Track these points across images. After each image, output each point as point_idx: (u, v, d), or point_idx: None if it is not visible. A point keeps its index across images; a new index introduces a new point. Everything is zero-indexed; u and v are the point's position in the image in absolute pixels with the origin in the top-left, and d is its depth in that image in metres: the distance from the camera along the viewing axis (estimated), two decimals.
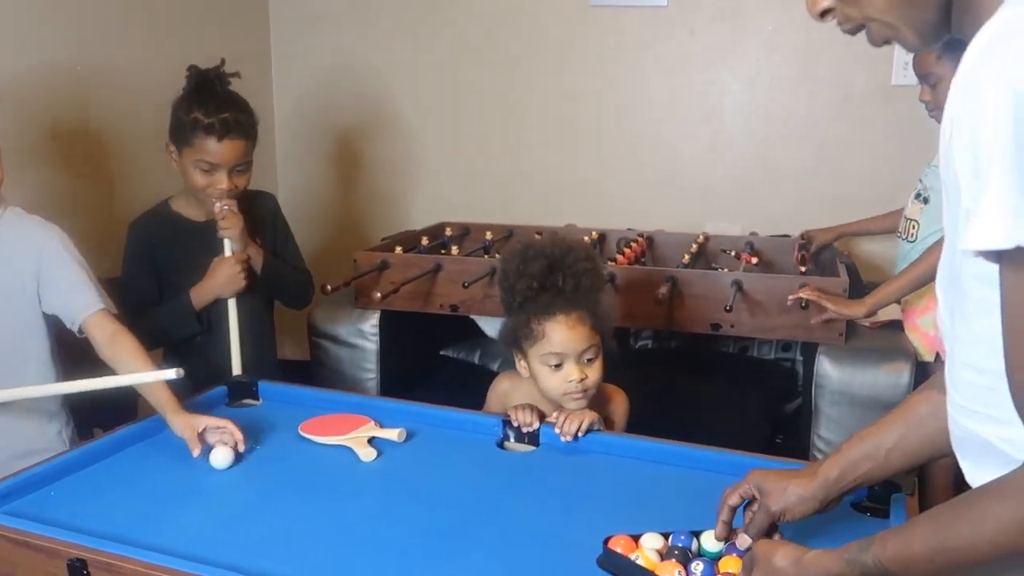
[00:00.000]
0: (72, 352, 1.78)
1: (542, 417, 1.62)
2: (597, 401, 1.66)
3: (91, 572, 1.14)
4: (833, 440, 2.13)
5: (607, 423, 1.67)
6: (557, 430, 1.57)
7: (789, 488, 1.15)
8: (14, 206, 1.74)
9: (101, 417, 2.04)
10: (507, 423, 1.62)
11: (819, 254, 2.65)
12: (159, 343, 2.12)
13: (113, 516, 1.31)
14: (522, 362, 1.66)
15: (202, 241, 2.05)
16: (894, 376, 2.07)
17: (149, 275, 2.08)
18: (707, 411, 2.33)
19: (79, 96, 2.57)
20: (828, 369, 2.13)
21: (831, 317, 2.09)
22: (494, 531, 1.30)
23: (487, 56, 3.24)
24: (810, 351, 2.23)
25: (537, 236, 2.79)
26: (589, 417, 1.58)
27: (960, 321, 0.85)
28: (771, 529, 1.17)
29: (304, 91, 3.48)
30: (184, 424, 1.53)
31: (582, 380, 1.59)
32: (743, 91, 3.01)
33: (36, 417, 1.73)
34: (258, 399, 1.83)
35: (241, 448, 1.51)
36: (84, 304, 1.67)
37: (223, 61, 2.03)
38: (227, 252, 2.02)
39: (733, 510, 1.21)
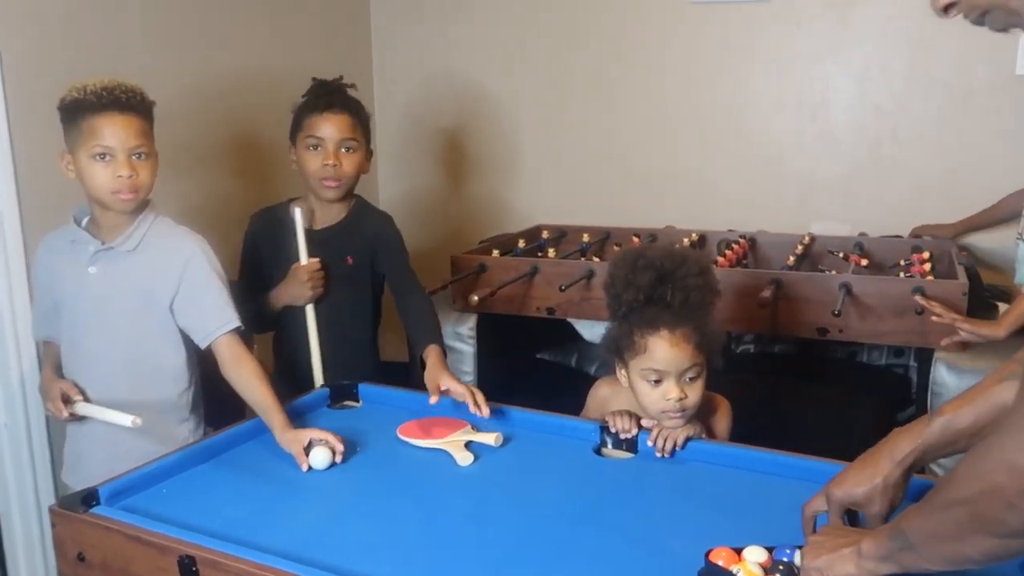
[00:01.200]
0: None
1: (640, 423, 1.59)
2: (700, 410, 1.62)
3: (200, 569, 1.18)
4: None
5: (709, 433, 1.62)
6: (651, 443, 1.54)
7: (850, 472, 1.17)
8: (163, 215, 1.81)
9: (213, 416, 2.13)
10: (605, 429, 1.60)
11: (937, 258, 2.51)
12: (251, 332, 2.12)
13: (219, 514, 1.35)
14: (622, 371, 1.62)
15: (309, 246, 2.07)
16: (1013, 383, 1.93)
17: (251, 267, 2.16)
18: (813, 419, 2.24)
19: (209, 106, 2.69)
20: (945, 377, 2.02)
21: (966, 339, 1.97)
22: (592, 538, 1.27)
23: (587, 56, 3.21)
24: (925, 357, 2.12)
25: (635, 239, 2.79)
26: (685, 432, 1.53)
27: None
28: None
29: (405, 96, 3.53)
30: (291, 439, 1.56)
31: (681, 399, 1.54)
32: (851, 86, 2.88)
33: (167, 424, 1.80)
34: (358, 401, 1.86)
35: (339, 459, 1.54)
36: (217, 325, 1.72)
37: (342, 77, 2.12)
38: (302, 260, 2.03)
39: (814, 519, 1.20)
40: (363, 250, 2.16)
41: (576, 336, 2.78)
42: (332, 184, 2.06)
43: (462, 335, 2.53)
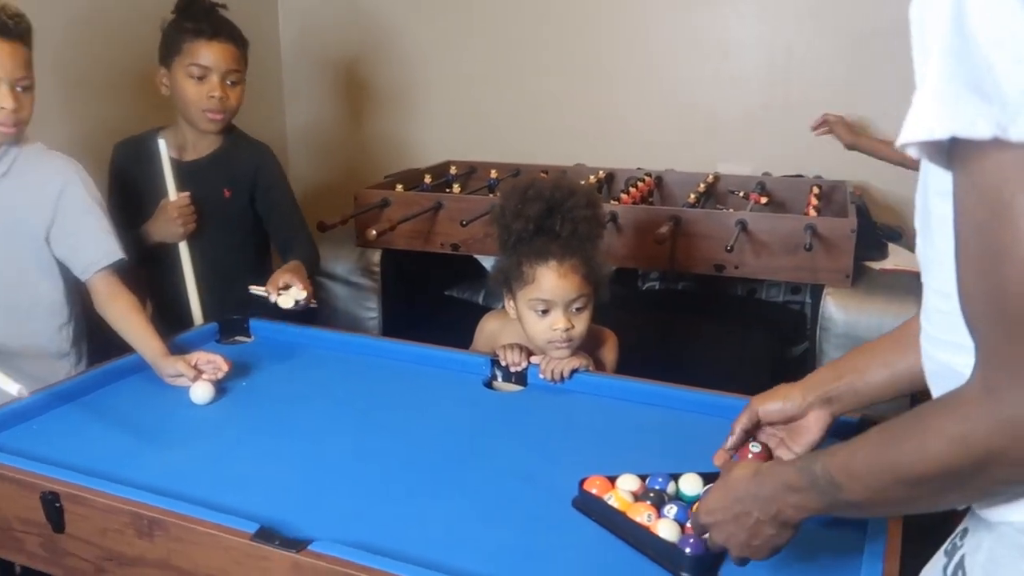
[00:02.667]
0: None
1: (531, 356, 1.59)
2: (588, 344, 1.63)
3: (64, 505, 1.15)
4: None
5: (597, 365, 1.64)
6: (541, 375, 1.55)
7: (776, 390, 1.17)
8: (34, 141, 1.71)
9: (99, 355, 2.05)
10: (495, 363, 1.60)
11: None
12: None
13: (93, 450, 1.31)
14: (510, 303, 1.62)
15: (180, 177, 1.97)
16: (902, 320, 2.00)
17: (119, 200, 2.01)
18: (709, 353, 2.30)
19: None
20: (833, 311, 2.09)
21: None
22: (474, 470, 1.28)
23: None
24: (817, 293, 2.18)
25: (543, 175, 2.77)
26: (573, 363, 1.55)
27: (928, 243, 0.80)
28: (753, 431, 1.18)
29: (311, 26, 3.41)
30: (171, 361, 1.53)
31: (567, 329, 1.55)
32: (757, 26, 2.90)
33: (46, 359, 1.73)
34: (250, 336, 1.82)
35: (218, 375, 1.51)
36: (99, 256, 1.66)
37: None
38: (171, 196, 1.93)
39: (740, 434, 1.18)
40: (241, 183, 2.07)
41: (483, 272, 2.77)
42: (217, 117, 1.97)
43: (366, 271, 2.50)
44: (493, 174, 2.77)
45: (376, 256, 2.48)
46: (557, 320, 1.55)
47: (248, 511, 1.10)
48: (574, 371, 1.55)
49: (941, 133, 0.64)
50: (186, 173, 1.98)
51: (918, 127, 0.66)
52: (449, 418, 1.47)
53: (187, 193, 1.95)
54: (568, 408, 1.50)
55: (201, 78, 1.93)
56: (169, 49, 1.96)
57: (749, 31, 2.91)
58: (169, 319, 1.97)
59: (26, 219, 1.66)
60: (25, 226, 1.66)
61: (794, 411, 1.14)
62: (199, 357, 1.54)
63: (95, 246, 1.67)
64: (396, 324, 2.51)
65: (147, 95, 2.17)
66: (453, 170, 2.86)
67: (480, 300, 2.79)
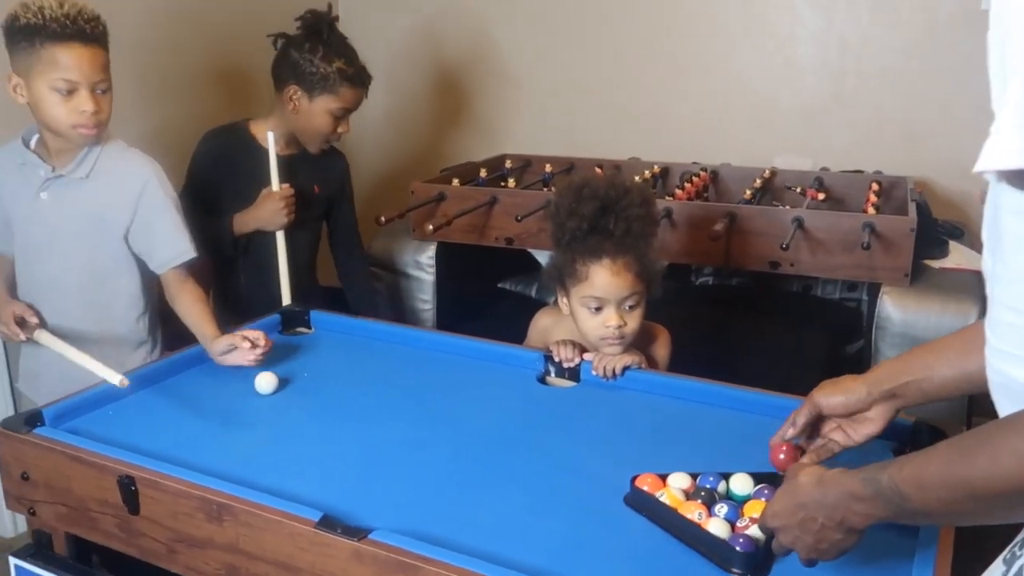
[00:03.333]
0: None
1: (583, 353, 1.62)
2: (640, 340, 1.65)
3: (139, 488, 1.21)
4: None
5: (650, 362, 1.65)
6: (594, 371, 1.57)
7: (839, 383, 1.17)
8: (115, 138, 1.77)
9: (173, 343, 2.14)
10: (548, 358, 1.63)
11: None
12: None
13: (165, 436, 1.37)
14: (563, 299, 1.65)
15: (266, 170, 2.07)
16: (960, 320, 1.98)
17: (207, 186, 2.13)
18: (762, 350, 2.29)
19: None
20: (890, 310, 2.06)
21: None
22: (526, 464, 1.31)
23: None
24: (874, 291, 2.16)
25: (597, 170, 2.78)
26: (626, 360, 1.57)
27: (999, 260, 0.81)
28: (816, 426, 1.19)
29: (368, 27, 3.46)
30: (223, 338, 1.61)
31: (620, 327, 1.57)
32: (817, 19, 2.85)
33: (125, 347, 1.81)
34: (310, 328, 1.88)
35: (259, 356, 1.59)
36: (174, 254, 1.74)
37: (330, 6, 2.14)
38: (274, 186, 2.04)
39: (802, 426, 1.18)
40: (330, 182, 2.24)
41: (537, 266, 2.79)
42: (327, 146, 2.17)
43: (421, 264, 2.54)
44: (548, 168, 2.79)
45: (431, 249, 2.52)
46: (610, 317, 1.57)
47: (311, 498, 1.15)
48: (626, 368, 1.57)
49: (1021, 164, 0.65)
50: (283, 165, 2.09)
51: (1000, 157, 0.67)
52: (503, 412, 1.50)
53: (288, 184, 2.06)
54: (620, 405, 1.52)
55: (341, 118, 2.12)
56: (311, 80, 2.08)
57: (809, 22, 2.87)
58: (234, 306, 2.08)
59: (108, 218, 1.73)
60: (107, 224, 1.73)
61: (858, 405, 1.15)
62: (239, 336, 1.61)
63: (171, 244, 1.74)
64: (450, 316, 2.55)
65: (225, 91, 2.26)
66: (508, 164, 2.89)
67: (533, 293, 2.81)
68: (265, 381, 1.53)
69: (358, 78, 2.11)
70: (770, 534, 1.01)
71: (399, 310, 2.56)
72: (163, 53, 2.64)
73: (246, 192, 2.09)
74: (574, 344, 1.62)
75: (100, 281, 1.76)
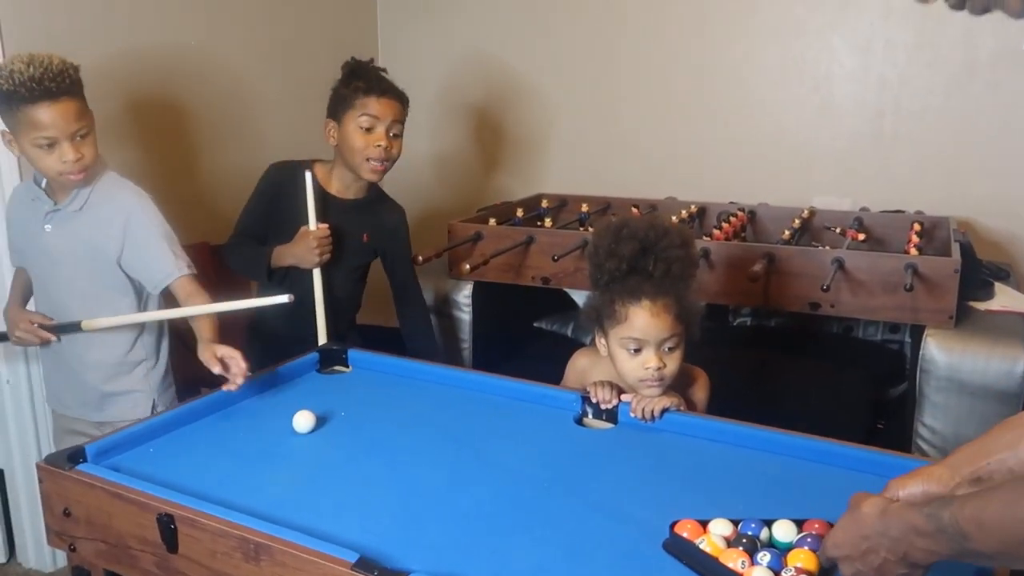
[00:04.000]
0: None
1: (621, 394, 1.60)
2: (678, 382, 1.63)
3: (178, 527, 1.21)
4: (938, 428, 2.03)
5: (688, 404, 1.63)
6: (633, 413, 1.56)
7: (918, 473, 1.07)
8: (111, 171, 1.89)
9: (212, 377, 2.17)
10: (586, 399, 1.62)
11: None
12: (235, 271, 2.28)
13: (204, 474, 1.38)
14: (601, 340, 1.64)
15: (324, 210, 2.12)
16: (1007, 364, 1.94)
17: (262, 213, 2.19)
18: (802, 393, 2.25)
19: (188, 72, 2.70)
20: (935, 353, 2.02)
21: None
22: (564, 507, 1.30)
23: (591, 25, 3.18)
24: (918, 334, 2.12)
25: (634, 210, 2.79)
26: (664, 402, 1.55)
27: None
28: None
29: (406, 69, 3.51)
30: (206, 349, 1.69)
31: (659, 368, 1.56)
32: (855, 58, 2.85)
33: (126, 364, 1.92)
34: (348, 366, 1.89)
35: (237, 382, 1.64)
36: (164, 275, 1.85)
37: (372, 60, 2.19)
38: (311, 225, 2.07)
39: None
40: (380, 233, 2.26)
41: (573, 305, 2.79)
42: (380, 168, 2.14)
43: (458, 303, 2.55)
44: (584, 208, 2.80)
45: (468, 288, 2.53)
46: (649, 359, 1.56)
47: (348, 539, 1.15)
48: (665, 410, 1.55)
49: None
50: (337, 208, 2.16)
51: None
52: (540, 453, 1.49)
53: (326, 225, 2.10)
54: (659, 448, 1.51)
55: (369, 129, 2.10)
56: (342, 105, 2.12)
57: (846, 61, 2.87)
58: (266, 338, 2.12)
59: (100, 246, 1.84)
60: (100, 252, 1.84)
61: (941, 493, 1.04)
62: (224, 351, 1.66)
63: (158, 267, 1.85)
64: (487, 355, 2.55)
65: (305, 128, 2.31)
66: (544, 203, 2.90)
67: (569, 333, 2.81)
68: (303, 420, 1.53)
69: (379, 89, 2.11)
70: (831, 565, 0.99)
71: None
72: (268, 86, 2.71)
73: (291, 227, 2.13)
74: (612, 385, 1.61)
75: (100, 306, 1.86)
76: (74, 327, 1.85)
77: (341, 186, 2.20)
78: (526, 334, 2.83)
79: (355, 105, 2.10)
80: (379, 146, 2.10)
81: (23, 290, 2.00)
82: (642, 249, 1.57)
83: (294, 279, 2.13)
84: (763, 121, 3.00)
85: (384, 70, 2.18)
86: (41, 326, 1.88)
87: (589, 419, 1.61)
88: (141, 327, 1.93)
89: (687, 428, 1.54)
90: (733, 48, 3.00)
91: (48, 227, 1.85)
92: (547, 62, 3.29)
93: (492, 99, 3.41)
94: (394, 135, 2.14)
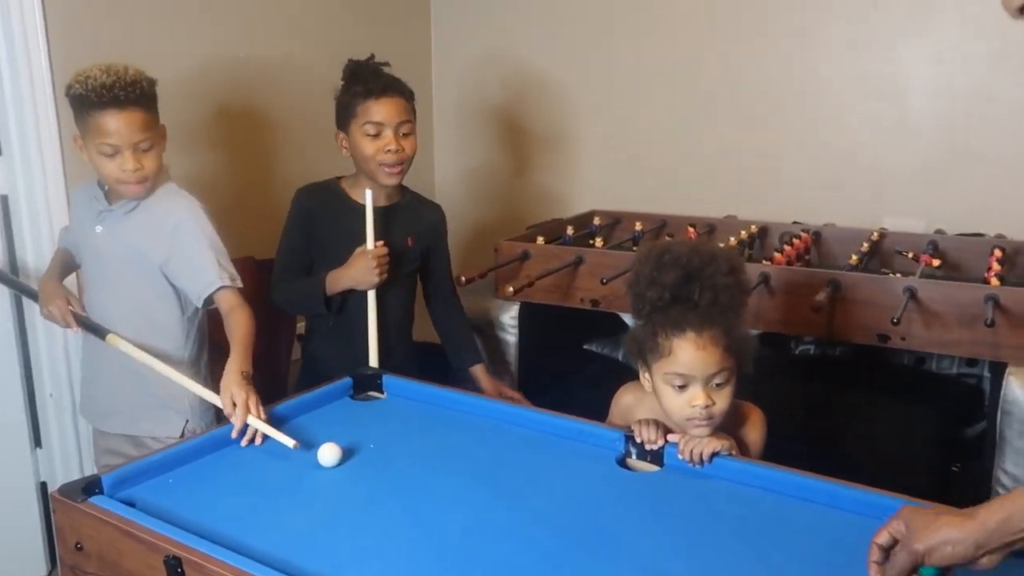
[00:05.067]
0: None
1: (668, 434, 1.49)
2: (730, 420, 1.51)
3: (185, 570, 1.15)
4: (1021, 477, 1.85)
5: (740, 444, 1.51)
6: (681, 455, 1.44)
7: (940, 527, 1.02)
8: (170, 182, 1.89)
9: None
10: (630, 438, 1.51)
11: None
12: (293, 312, 2.23)
13: (218, 509, 1.32)
14: (645, 375, 1.53)
15: (361, 223, 2.02)
16: None
17: (302, 241, 2.11)
18: (869, 431, 2.10)
19: (243, 84, 2.68)
20: (1018, 393, 1.85)
21: None
22: (603, 559, 1.19)
23: (650, 38, 3.08)
24: (998, 370, 1.95)
25: (691, 229, 2.66)
26: (716, 445, 1.43)
27: None
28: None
29: (463, 77, 3.46)
30: (228, 387, 1.62)
31: (707, 406, 1.43)
32: (931, 71, 2.68)
33: (163, 407, 1.88)
34: (382, 392, 1.81)
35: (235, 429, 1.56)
36: (205, 284, 1.82)
37: (372, 56, 2.08)
38: (369, 244, 1.98)
39: (883, 550, 1.07)
40: (423, 234, 2.17)
41: (625, 328, 2.67)
42: (395, 170, 2.04)
43: (504, 324, 2.46)
44: (638, 226, 2.69)
45: (514, 309, 2.44)
46: (696, 396, 1.44)
47: None
48: (715, 454, 1.43)
49: None
50: (377, 218, 2.02)
51: None
52: (578, 499, 1.38)
53: (382, 242, 2.01)
54: (708, 495, 1.38)
55: (376, 135, 2.00)
56: (345, 113, 2.04)
57: (923, 75, 2.69)
58: (321, 367, 2.03)
59: (146, 251, 1.84)
60: (146, 257, 1.84)
61: (964, 559, 1.01)
62: (248, 407, 1.57)
63: (201, 277, 1.82)
64: (534, 378, 2.46)
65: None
66: (596, 221, 2.79)
67: (620, 356, 2.69)
68: (329, 453, 1.46)
69: (378, 90, 2.00)
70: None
71: None
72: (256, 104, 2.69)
73: (336, 249, 2.04)
74: (658, 424, 1.50)
75: (142, 311, 1.86)
76: (100, 333, 1.83)
77: (374, 196, 2.08)
78: (575, 357, 2.72)
79: (357, 113, 2.01)
80: (390, 150, 2.00)
81: (62, 266, 2.00)
82: (686, 276, 1.45)
83: (351, 304, 2.05)
84: (832, 136, 2.84)
85: (386, 64, 2.07)
86: (74, 313, 1.87)
87: (633, 460, 1.50)
88: (187, 333, 1.90)
89: (739, 475, 1.41)
90: (803, 60, 2.85)
91: (99, 228, 1.86)
92: (606, 76, 3.18)
93: (547, 111, 3.32)
94: (404, 134, 2.03)
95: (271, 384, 2.27)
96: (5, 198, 2.25)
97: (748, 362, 1.49)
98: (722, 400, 1.46)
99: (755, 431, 1.55)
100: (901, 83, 2.73)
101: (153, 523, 1.22)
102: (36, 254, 2.24)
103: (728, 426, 1.51)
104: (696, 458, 1.43)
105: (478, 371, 2.20)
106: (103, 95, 1.69)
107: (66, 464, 2.40)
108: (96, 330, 1.85)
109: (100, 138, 1.72)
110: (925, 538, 1.01)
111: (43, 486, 2.44)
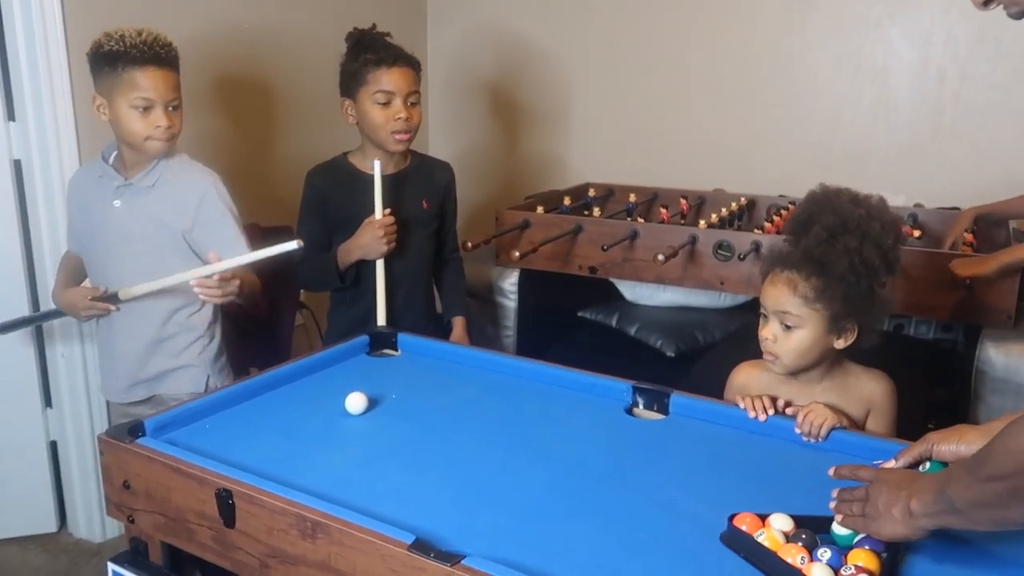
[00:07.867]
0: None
1: (787, 407, 1.55)
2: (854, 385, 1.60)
3: (236, 502, 1.23)
4: None
5: (862, 408, 1.60)
6: (798, 429, 1.48)
7: (954, 431, 1.21)
8: (181, 152, 1.95)
9: (256, 357, 2.20)
10: (637, 390, 1.61)
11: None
12: (316, 290, 2.29)
13: (259, 451, 1.40)
14: None
15: (371, 198, 2.06)
16: None
17: (319, 223, 2.14)
18: None
19: (248, 52, 2.73)
20: (992, 354, 1.98)
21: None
22: (618, 497, 1.29)
23: (639, 14, 3.16)
24: (973, 333, 2.08)
25: (683, 201, 2.75)
26: (833, 420, 1.47)
27: None
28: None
29: (458, 52, 3.52)
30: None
31: (768, 340, 1.55)
32: (913, 51, 2.79)
33: (183, 336, 1.96)
34: (397, 350, 1.90)
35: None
36: (233, 254, 1.84)
37: (375, 25, 2.12)
38: (377, 214, 2.03)
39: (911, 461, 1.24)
40: (437, 194, 2.22)
41: (618, 296, 2.78)
42: (404, 137, 2.08)
43: (504, 290, 2.55)
44: (631, 198, 2.78)
45: (514, 276, 2.53)
46: (764, 329, 1.57)
47: (403, 521, 1.15)
48: (832, 429, 1.47)
49: None
50: (389, 186, 2.08)
51: None
52: (592, 442, 1.48)
53: (389, 211, 2.05)
54: (709, 437, 1.50)
55: (386, 103, 2.05)
56: (353, 81, 2.08)
57: (904, 54, 2.81)
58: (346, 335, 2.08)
59: (170, 222, 1.90)
60: (169, 228, 1.90)
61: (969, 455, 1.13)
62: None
63: (228, 248, 1.86)
64: (530, 343, 2.55)
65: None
66: (592, 192, 2.89)
67: (613, 323, 2.79)
68: (356, 401, 1.54)
69: (389, 59, 2.04)
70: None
71: (480, 336, 2.56)
72: (248, 73, 2.73)
73: (352, 223, 2.08)
74: (771, 399, 1.55)
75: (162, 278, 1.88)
76: (114, 300, 1.89)
77: (384, 165, 2.12)
78: (570, 323, 2.82)
79: (368, 81, 2.04)
80: (400, 118, 2.05)
81: (71, 274, 2.05)
82: (842, 224, 1.53)
83: (364, 274, 2.10)
84: (817, 113, 2.95)
85: (389, 34, 2.11)
86: (94, 298, 1.92)
87: (639, 409, 1.60)
88: (200, 304, 1.95)
89: (744, 423, 1.52)
90: (789, 38, 2.96)
91: (117, 203, 1.90)
92: (597, 52, 3.26)
93: (540, 85, 3.39)
94: (412, 103, 2.08)
95: (275, 347, 2.36)
96: (18, 163, 2.29)
97: (870, 333, 1.56)
98: (786, 342, 1.53)
99: (880, 397, 1.62)
100: (882, 63, 2.84)
101: (201, 460, 1.30)
102: (49, 218, 2.29)
103: (853, 388, 1.60)
104: (815, 432, 1.47)
105: (456, 322, 2.25)
106: (145, 51, 1.77)
107: (76, 424, 2.46)
108: (111, 298, 1.90)
109: (136, 92, 1.78)
110: (946, 441, 1.19)
111: (53, 445, 2.50)
